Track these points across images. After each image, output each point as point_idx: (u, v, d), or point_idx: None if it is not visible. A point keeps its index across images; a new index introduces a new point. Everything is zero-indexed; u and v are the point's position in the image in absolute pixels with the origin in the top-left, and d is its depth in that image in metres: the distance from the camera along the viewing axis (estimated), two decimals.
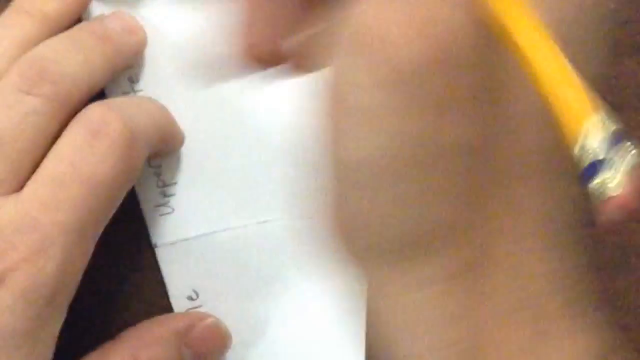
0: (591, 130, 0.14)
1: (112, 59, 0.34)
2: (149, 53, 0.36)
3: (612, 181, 0.14)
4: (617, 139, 0.14)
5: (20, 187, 0.31)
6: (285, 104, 0.34)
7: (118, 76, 0.35)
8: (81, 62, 0.33)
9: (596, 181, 0.14)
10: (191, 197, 0.36)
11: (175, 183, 0.36)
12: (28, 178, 0.31)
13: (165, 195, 0.36)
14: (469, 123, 0.20)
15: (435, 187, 0.20)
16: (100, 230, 0.32)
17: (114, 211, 0.32)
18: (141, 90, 0.36)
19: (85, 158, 0.31)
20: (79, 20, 0.35)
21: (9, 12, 0.35)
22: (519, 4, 0.18)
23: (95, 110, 0.32)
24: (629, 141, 0.15)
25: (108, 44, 0.34)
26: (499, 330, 0.21)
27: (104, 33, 0.34)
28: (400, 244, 0.21)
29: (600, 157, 0.14)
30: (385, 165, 0.20)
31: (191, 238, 0.36)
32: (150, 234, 0.36)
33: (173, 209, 0.36)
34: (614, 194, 0.14)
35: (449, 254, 0.21)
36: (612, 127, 0.15)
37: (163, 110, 0.35)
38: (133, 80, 0.36)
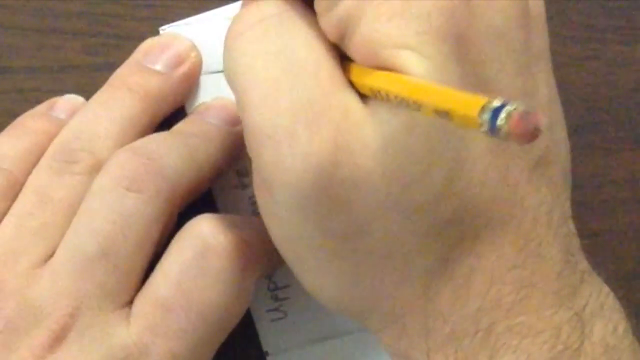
0: (486, 105, 0.19)
1: (216, 158, 0.31)
2: None
3: (512, 109, 0.18)
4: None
5: (130, 298, 0.28)
6: None
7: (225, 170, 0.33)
8: (186, 157, 0.30)
9: (502, 115, 0.18)
10: (304, 301, 0.33)
11: (287, 286, 0.33)
12: (137, 285, 0.29)
13: (276, 299, 0.33)
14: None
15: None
16: (212, 353, 0.29)
17: (227, 333, 0.29)
18: (248, 186, 0.33)
19: (194, 282, 0.28)
20: (181, 97, 0.33)
21: (108, 88, 0.32)
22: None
23: (204, 226, 0.29)
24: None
25: (210, 142, 0.31)
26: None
27: (205, 133, 0.32)
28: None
29: (499, 104, 0.19)
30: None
31: (304, 345, 0.33)
32: (262, 342, 0.33)
33: (285, 314, 0.33)
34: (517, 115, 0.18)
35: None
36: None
37: None
38: (241, 173, 0.33)
